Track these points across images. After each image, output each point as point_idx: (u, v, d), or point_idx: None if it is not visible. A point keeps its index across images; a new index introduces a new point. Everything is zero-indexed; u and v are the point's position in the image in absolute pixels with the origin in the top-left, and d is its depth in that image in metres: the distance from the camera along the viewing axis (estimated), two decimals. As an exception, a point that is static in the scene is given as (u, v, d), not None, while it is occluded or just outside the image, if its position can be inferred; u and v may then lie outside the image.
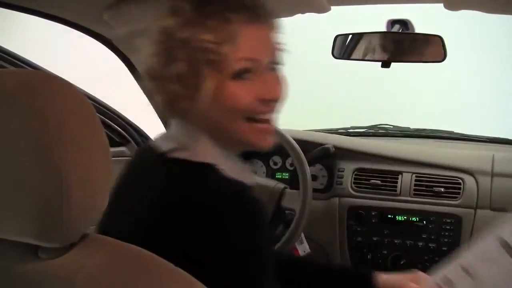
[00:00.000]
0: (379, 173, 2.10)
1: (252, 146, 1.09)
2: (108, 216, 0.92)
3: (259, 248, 0.98)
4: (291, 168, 2.27)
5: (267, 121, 1.07)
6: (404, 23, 1.90)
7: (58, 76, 0.76)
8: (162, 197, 1.00)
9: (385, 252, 2.02)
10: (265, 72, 1.04)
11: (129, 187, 1.11)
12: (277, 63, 1.08)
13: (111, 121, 2.18)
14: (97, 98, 2.10)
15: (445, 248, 1.94)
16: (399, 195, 2.03)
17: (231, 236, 0.95)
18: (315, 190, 2.03)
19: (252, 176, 1.13)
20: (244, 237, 0.95)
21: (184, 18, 1.01)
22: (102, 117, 2.11)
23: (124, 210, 1.06)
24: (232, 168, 1.06)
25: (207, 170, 1.03)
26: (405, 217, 2.00)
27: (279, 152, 2.28)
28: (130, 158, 2.24)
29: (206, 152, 1.06)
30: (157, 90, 1.06)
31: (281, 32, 1.11)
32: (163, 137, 1.12)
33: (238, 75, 1.01)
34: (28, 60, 1.85)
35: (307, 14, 1.62)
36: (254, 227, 0.98)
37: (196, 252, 0.93)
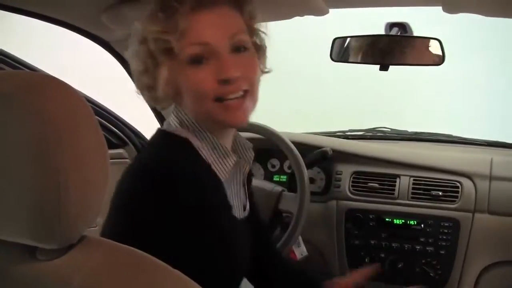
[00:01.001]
0: (377, 176, 2.10)
1: (224, 124, 1.14)
2: None
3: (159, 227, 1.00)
4: (289, 171, 2.27)
5: (236, 98, 1.10)
6: (403, 26, 1.90)
7: (56, 78, 0.76)
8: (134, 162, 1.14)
9: (382, 255, 2.02)
10: (223, 55, 1.08)
11: None
12: (242, 45, 1.11)
13: (109, 123, 2.18)
14: (95, 100, 2.10)
15: (443, 252, 1.94)
16: (397, 198, 2.03)
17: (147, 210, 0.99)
18: (312, 193, 2.03)
19: (229, 160, 1.16)
20: (154, 216, 0.97)
21: (149, 17, 1.11)
22: (100, 119, 2.11)
23: None
24: (209, 150, 1.14)
25: (179, 144, 1.13)
26: (403, 221, 2.00)
27: (277, 155, 2.28)
28: (128, 160, 2.25)
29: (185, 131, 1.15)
30: (137, 86, 1.18)
31: (251, 15, 1.16)
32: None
33: (194, 61, 1.08)
34: (26, 62, 1.85)
35: (306, 17, 1.62)
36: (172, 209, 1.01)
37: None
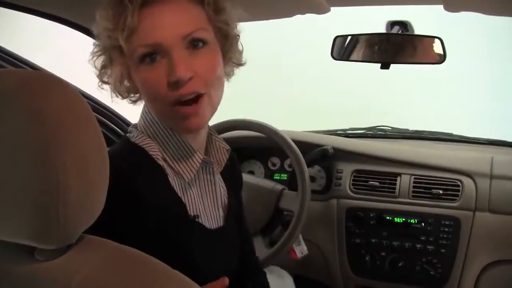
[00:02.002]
0: (377, 175, 2.09)
1: (178, 130, 1.09)
2: None
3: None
4: (290, 169, 2.27)
5: (191, 102, 1.03)
6: (404, 25, 1.90)
7: (56, 76, 0.76)
8: None
9: (383, 254, 2.02)
10: (174, 54, 1.01)
11: None
12: (200, 40, 1.04)
13: (107, 119, 2.18)
14: (93, 97, 2.10)
15: (444, 250, 1.94)
16: (398, 196, 2.03)
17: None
18: (313, 192, 2.03)
19: (195, 159, 1.12)
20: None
21: (102, 11, 1.04)
22: (100, 117, 2.11)
23: None
24: (172, 149, 1.10)
25: (129, 153, 1.09)
26: (403, 219, 2.00)
27: (277, 153, 2.28)
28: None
29: (147, 133, 1.12)
30: (99, 79, 1.12)
31: (215, 7, 1.08)
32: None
33: (144, 60, 1.02)
34: (28, 60, 1.84)
35: (307, 15, 1.62)
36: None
37: None
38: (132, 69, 1.05)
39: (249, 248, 1.42)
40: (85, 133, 0.74)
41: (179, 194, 1.11)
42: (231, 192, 1.30)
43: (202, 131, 1.16)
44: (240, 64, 1.19)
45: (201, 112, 1.05)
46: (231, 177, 1.34)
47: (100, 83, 1.12)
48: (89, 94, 2.04)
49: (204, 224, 1.16)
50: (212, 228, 1.19)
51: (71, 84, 0.74)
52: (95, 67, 1.11)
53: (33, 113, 0.68)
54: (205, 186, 1.20)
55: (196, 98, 1.04)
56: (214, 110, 1.10)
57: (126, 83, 1.09)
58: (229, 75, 1.19)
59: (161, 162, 1.09)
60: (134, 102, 1.15)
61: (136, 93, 1.12)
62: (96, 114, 2.04)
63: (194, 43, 1.03)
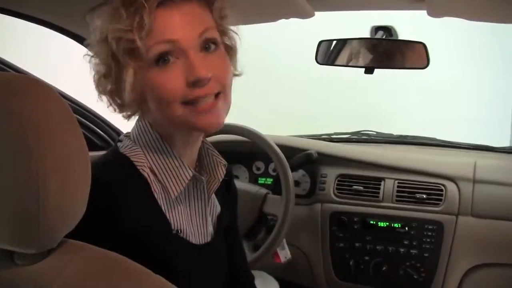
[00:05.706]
0: (361, 179, 2.10)
1: (195, 128, 1.05)
2: None
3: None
4: (274, 174, 2.27)
5: (206, 101, 1.02)
6: (388, 30, 1.91)
7: (36, 79, 0.75)
8: None
9: (367, 258, 2.02)
10: (192, 54, 0.99)
11: None
12: (212, 42, 1.04)
13: (92, 124, 2.17)
14: (79, 101, 2.09)
15: (427, 255, 1.95)
16: (382, 201, 2.04)
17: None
18: (297, 196, 2.03)
19: (183, 176, 1.09)
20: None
21: (111, 13, 0.99)
22: (84, 120, 2.10)
23: None
24: (162, 163, 1.07)
25: (115, 164, 1.06)
26: (387, 223, 2.01)
27: (262, 157, 2.28)
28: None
29: (137, 145, 1.09)
30: (98, 90, 1.07)
31: (221, 13, 1.08)
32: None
33: (161, 60, 0.99)
34: (12, 64, 1.83)
35: (291, 20, 1.62)
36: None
37: None
38: (144, 75, 1.01)
39: (240, 260, 1.38)
40: (66, 136, 0.73)
41: (163, 208, 1.07)
42: (224, 208, 1.27)
43: (196, 143, 1.13)
44: (237, 74, 1.16)
45: (217, 110, 1.03)
46: (227, 192, 1.31)
47: (99, 95, 1.07)
48: (75, 99, 2.03)
49: (190, 239, 1.12)
50: (199, 243, 1.16)
51: (53, 86, 0.73)
52: (95, 75, 1.06)
53: (13, 116, 0.68)
54: (195, 202, 1.16)
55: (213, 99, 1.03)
56: (227, 112, 1.08)
57: (135, 92, 1.03)
58: None
59: (146, 174, 1.05)
60: (130, 116, 1.11)
61: (137, 106, 1.07)
62: (78, 117, 2.03)
63: (206, 46, 1.02)
